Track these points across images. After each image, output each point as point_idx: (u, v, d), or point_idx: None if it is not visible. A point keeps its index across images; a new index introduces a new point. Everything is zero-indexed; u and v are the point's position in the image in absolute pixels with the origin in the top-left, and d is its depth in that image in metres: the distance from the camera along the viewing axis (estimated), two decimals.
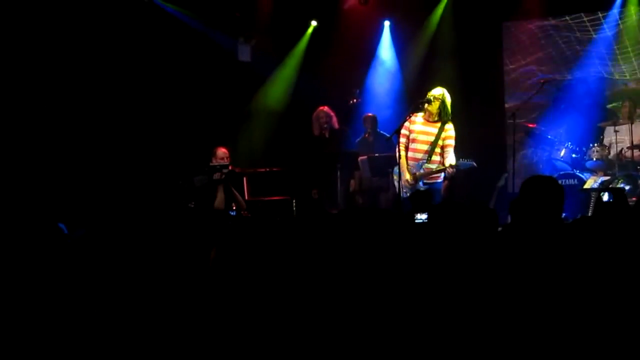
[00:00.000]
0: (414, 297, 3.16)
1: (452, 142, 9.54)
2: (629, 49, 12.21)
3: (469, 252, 3.44)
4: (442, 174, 9.58)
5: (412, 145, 9.67)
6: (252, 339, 3.08)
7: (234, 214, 10.05)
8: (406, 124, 9.70)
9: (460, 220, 3.54)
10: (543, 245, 3.68)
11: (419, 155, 9.61)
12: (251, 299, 3.22)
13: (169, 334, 3.14)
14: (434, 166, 9.55)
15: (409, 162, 9.66)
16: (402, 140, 9.68)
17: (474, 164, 9.49)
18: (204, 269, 3.50)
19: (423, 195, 8.88)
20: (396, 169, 9.74)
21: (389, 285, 3.23)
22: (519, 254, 3.53)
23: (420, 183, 9.54)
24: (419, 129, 9.65)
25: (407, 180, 9.61)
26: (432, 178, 9.57)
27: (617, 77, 12.15)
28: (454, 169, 9.34)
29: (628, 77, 12.02)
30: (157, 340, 3.13)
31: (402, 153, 9.67)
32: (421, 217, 8.73)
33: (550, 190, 4.29)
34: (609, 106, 12.02)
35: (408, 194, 9.55)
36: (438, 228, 3.56)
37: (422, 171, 9.56)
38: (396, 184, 9.72)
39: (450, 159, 9.43)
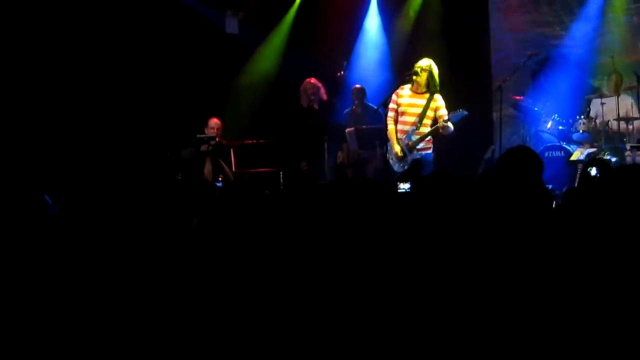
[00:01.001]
0: (398, 268, 3.18)
1: (445, 111, 9.56)
2: (616, 21, 12.21)
3: (452, 222, 3.46)
4: (431, 146, 9.61)
5: (401, 118, 9.69)
6: (230, 309, 3.09)
7: (221, 185, 10.07)
8: (394, 97, 9.71)
9: (443, 190, 3.55)
10: (521, 217, 3.70)
11: (407, 128, 9.63)
12: (231, 270, 3.23)
13: (148, 305, 3.15)
14: (426, 130, 9.53)
15: (398, 134, 9.68)
16: (391, 114, 9.71)
17: (465, 112, 9.49)
18: (185, 239, 3.51)
19: (420, 165, 8.93)
20: (389, 144, 9.77)
21: (372, 256, 3.24)
22: (499, 226, 3.55)
23: (415, 154, 9.55)
24: (407, 102, 9.67)
25: (396, 153, 9.63)
26: (423, 149, 9.56)
27: (603, 49, 12.15)
28: (447, 124, 9.35)
29: (614, 50, 12.01)
30: (137, 310, 3.14)
31: (391, 126, 9.69)
32: (404, 186, 8.76)
33: (527, 161, 4.29)
34: (595, 83, 12.03)
35: (404, 167, 9.58)
36: (421, 198, 3.57)
37: (413, 139, 9.55)
38: (390, 159, 9.74)
39: (450, 127, 9.45)
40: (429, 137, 9.59)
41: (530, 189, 3.92)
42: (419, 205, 3.56)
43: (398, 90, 9.73)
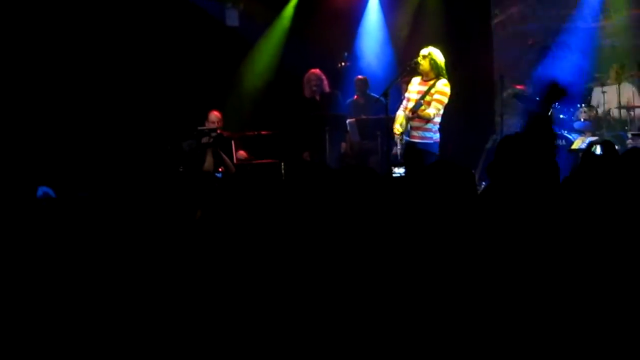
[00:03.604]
0: (393, 255, 3.18)
1: (440, 97, 9.34)
2: (618, 8, 12.19)
3: (444, 210, 3.46)
4: (434, 136, 9.48)
5: (407, 105, 9.62)
6: (233, 299, 3.10)
7: (220, 176, 10.08)
8: (408, 87, 9.70)
9: (436, 177, 3.55)
10: (528, 201, 3.70)
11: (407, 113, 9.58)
12: (235, 260, 3.24)
13: (153, 297, 3.16)
14: (421, 113, 9.42)
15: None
16: (403, 103, 9.68)
17: (433, 111, 9.40)
18: (189, 231, 3.52)
19: (415, 152, 8.88)
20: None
21: (369, 243, 3.25)
22: (500, 213, 3.55)
23: (405, 137, 9.48)
24: (415, 89, 9.60)
25: (395, 134, 9.59)
26: (418, 137, 9.47)
27: (605, 36, 12.13)
28: (413, 114, 9.31)
29: (616, 37, 12.00)
30: (141, 302, 3.15)
31: (399, 113, 9.63)
32: (399, 171, 8.73)
33: (524, 147, 4.28)
34: (597, 75, 12.00)
35: (399, 151, 9.55)
36: (415, 184, 3.57)
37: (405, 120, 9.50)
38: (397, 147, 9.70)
39: (430, 109, 9.37)
40: (429, 127, 9.44)
41: (531, 176, 3.92)
42: (415, 193, 3.56)
43: (412, 80, 9.68)
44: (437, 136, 9.47)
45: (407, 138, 9.45)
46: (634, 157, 3.71)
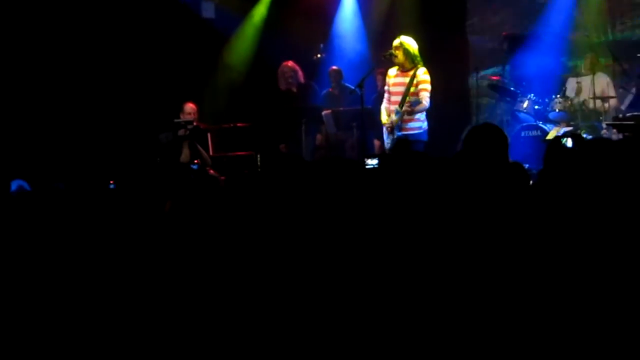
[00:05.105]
0: (366, 243, 3.19)
1: (425, 86, 9.44)
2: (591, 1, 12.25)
3: (423, 201, 3.47)
4: (424, 125, 9.54)
5: (391, 98, 9.66)
6: (203, 293, 3.10)
7: (196, 167, 10.07)
8: (386, 79, 9.74)
9: (411, 167, 3.56)
10: (492, 190, 3.71)
11: (393, 107, 9.60)
12: (203, 251, 3.24)
13: (126, 288, 3.16)
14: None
15: (390, 113, 9.67)
16: (386, 96, 9.72)
17: (425, 104, 9.46)
18: (159, 221, 3.52)
19: (404, 144, 8.90)
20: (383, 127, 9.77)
21: (346, 233, 3.25)
22: (468, 202, 3.56)
23: (397, 132, 9.52)
24: (393, 82, 9.64)
25: (385, 124, 9.64)
26: (410, 128, 9.51)
27: (578, 28, 12.18)
28: (410, 108, 9.35)
29: (589, 29, 12.06)
30: (110, 293, 3.15)
31: (385, 105, 9.68)
32: (372, 162, 8.77)
33: (490, 136, 4.30)
34: (571, 64, 12.06)
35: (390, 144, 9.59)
36: (389, 174, 3.59)
37: (396, 117, 9.53)
38: (385, 137, 9.74)
39: (424, 101, 9.43)
40: (418, 117, 9.50)
41: (498, 165, 3.94)
42: (385, 182, 3.57)
43: (388, 71, 9.72)
44: (425, 124, 9.62)
45: (400, 133, 9.49)
46: (598, 148, 3.73)
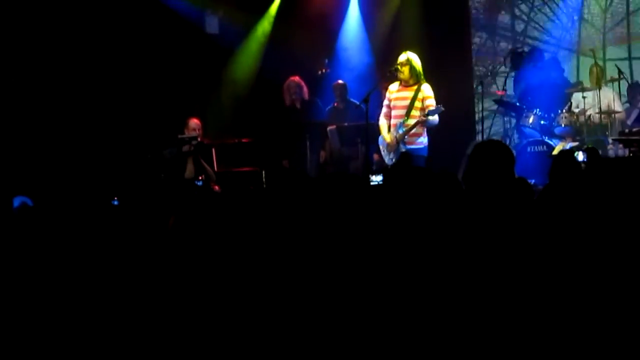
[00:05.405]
0: (372, 257, 3.17)
1: (431, 102, 9.57)
2: (595, 15, 12.24)
3: (425, 214, 3.45)
4: (425, 140, 9.58)
5: (392, 113, 9.74)
6: (203, 302, 3.08)
7: (200, 184, 10.04)
8: (387, 94, 9.76)
9: (416, 183, 3.54)
10: (500, 207, 3.68)
11: (396, 121, 9.67)
12: (207, 267, 3.22)
13: (127, 300, 3.14)
14: (412, 121, 9.53)
15: (390, 128, 9.72)
16: (384, 110, 9.79)
17: (442, 107, 9.50)
18: (162, 237, 3.50)
19: (411, 159, 8.92)
20: (380, 138, 9.79)
21: (349, 249, 3.24)
22: (476, 218, 3.54)
23: (402, 147, 9.54)
24: (395, 96, 9.75)
25: (387, 142, 9.68)
26: (414, 143, 9.54)
27: (583, 42, 12.18)
28: (427, 118, 9.37)
29: (595, 42, 12.06)
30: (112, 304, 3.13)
31: (382, 121, 9.72)
32: (376, 179, 8.77)
33: (496, 153, 4.26)
34: (577, 79, 12.04)
35: (392, 160, 9.61)
36: (393, 190, 3.56)
37: (401, 132, 9.56)
38: (382, 152, 9.77)
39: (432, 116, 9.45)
40: (419, 132, 9.56)
41: (504, 181, 3.91)
42: (390, 199, 3.55)
43: (389, 87, 9.78)
44: (426, 139, 9.71)
45: (405, 147, 9.50)
46: (617, 165, 3.70)
